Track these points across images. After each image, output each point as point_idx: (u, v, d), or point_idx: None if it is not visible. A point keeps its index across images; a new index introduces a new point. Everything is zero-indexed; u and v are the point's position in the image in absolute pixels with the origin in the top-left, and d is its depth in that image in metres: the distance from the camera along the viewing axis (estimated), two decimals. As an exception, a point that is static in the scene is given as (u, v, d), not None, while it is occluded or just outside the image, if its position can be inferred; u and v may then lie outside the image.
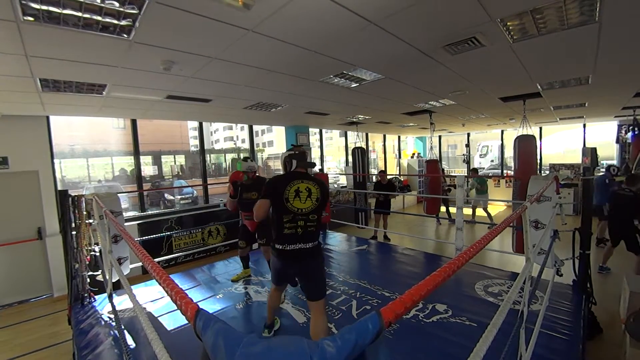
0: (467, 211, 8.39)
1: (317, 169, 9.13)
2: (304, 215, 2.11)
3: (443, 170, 9.64)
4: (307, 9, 1.92)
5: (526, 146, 4.75)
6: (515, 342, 1.42)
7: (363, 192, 8.02)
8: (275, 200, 2.11)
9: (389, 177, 7.71)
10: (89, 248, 3.33)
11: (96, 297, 3.33)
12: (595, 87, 4.27)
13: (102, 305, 3.20)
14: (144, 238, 5.09)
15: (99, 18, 1.90)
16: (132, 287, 2.80)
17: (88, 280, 3.34)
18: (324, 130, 9.45)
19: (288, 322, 2.77)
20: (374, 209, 7.59)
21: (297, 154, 2.25)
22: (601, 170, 9.42)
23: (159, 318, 2.90)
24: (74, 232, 3.25)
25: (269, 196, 2.13)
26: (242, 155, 15.63)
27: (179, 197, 12.10)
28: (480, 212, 8.23)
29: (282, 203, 2.08)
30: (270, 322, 2.59)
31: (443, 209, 8.28)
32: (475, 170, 8.67)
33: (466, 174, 10.27)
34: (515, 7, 2.00)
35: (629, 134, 7.02)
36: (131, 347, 2.44)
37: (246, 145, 8.58)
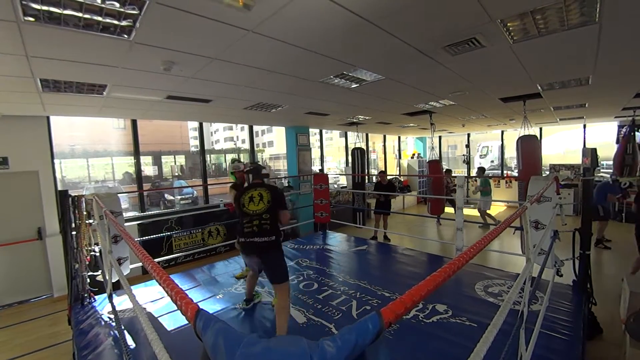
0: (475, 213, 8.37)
1: (317, 169, 9.16)
2: (257, 216, 2.58)
3: (450, 170, 9.52)
4: (307, 10, 1.92)
5: (529, 146, 4.73)
6: (515, 342, 1.42)
7: (362, 192, 8.02)
8: (237, 208, 2.68)
9: (389, 177, 7.71)
10: (89, 248, 3.33)
11: (96, 297, 3.33)
12: (595, 88, 4.27)
13: (102, 305, 3.21)
14: (144, 238, 5.09)
15: (100, 18, 1.90)
16: (132, 287, 2.81)
17: (88, 280, 3.34)
18: (324, 131, 9.46)
19: (288, 323, 2.77)
20: (374, 210, 7.58)
21: (252, 170, 2.82)
22: (602, 171, 9.43)
23: (159, 318, 2.90)
24: (74, 232, 3.25)
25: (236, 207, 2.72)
26: (242, 156, 15.63)
27: (179, 197, 12.10)
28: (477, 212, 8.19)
29: (240, 209, 2.64)
30: (249, 297, 3.08)
31: (451, 209, 8.23)
32: (483, 169, 8.58)
33: (466, 175, 10.27)
34: (516, 8, 2.00)
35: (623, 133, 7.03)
36: (131, 347, 2.44)
37: (246, 146, 8.59)
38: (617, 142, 8.37)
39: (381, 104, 5.18)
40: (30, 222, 4.66)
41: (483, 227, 7.39)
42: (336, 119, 6.87)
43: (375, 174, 12.33)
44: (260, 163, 3.11)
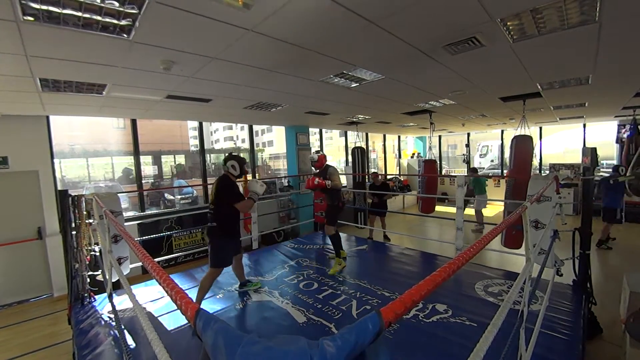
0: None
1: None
2: (211, 204, 3.03)
3: (476, 169, 9.21)
4: (307, 9, 1.92)
5: (523, 146, 4.76)
6: (515, 342, 1.42)
7: (360, 192, 8.00)
8: None
9: (389, 176, 7.71)
10: (89, 248, 3.34)
11: (96, 297, 3.33)
12: (595, 87, 4.26)
13: (102, 305, 3.21)
14: (144, 238, 5.08)
15: (99, 18, 1.90)
16: (132, 287, 2.81)
17: (88, 280, 3.34)
18: (324, 130, 9.45)
19: (288, 322, 2.77)
20: (369, 209, 7.54)
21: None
22: (601, 170, 9.42)
23: (159, 318, 2.91)
24: (74, 232, 3.25)
25: None
26: (241, 155, 15.60)
27: (179, 197, 12.09)
28: (471, 211, 8.01)
29: None
30: (242, 281, 3.41)
31: (443, 209, 8.22)
32: (474, 170, 8.53)
33: (466, 174, 10.27)
34: (516, 7, 2.00)
35: (626, 134, 7.00)
36: (131, 347, 2.44)
37: (246, 145, 8.59)
38: (617, 141, 8.37)
39: (381, 103, 5.18)
40: (30, 221, 4.66)
41: (476, 231, 7.37)
42: (336, 119, 6.86)
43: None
44: (234, 154, 3.18)
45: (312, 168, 4.14)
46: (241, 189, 3.24)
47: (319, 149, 4.11)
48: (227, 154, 3.16)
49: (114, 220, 1.87)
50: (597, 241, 5.72)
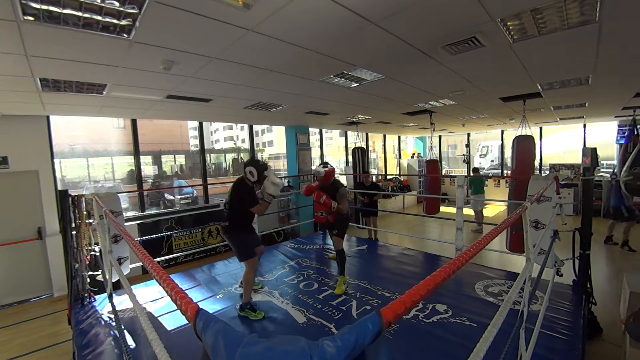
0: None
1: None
2: (226, 205, 3.14)
3: (477, 169, 8.91)
4: (307, 9, 1.92)
5: (524, 146, 4.75)
6: (515, 342, 1.42)
7: (356, 192, 7.94)
8: None
9: (389, 177, 7.70)
10: (89, 248, 3.33)
11: (96, 297, 3.33)
12: (595, 87, 4.26)
13: (102, 305, 3.21)
14: (144, 238, 5.08)
15: (99, 18, 1.90)
16: (132, 287, 2.80)
17: (88, 280, 3.34)
18: (324, 130, 9.45)
19: (288, 322, 2.77)
20: (359, 208, 7.50)
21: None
22: (602, 171, 9.41)
23: (159, 318, 2.91)
24: (74, 232, 3.25)
25: None
26: (242, 156, 15.59)
27: (179, 197, 12.09)
28: (470, 211, 7.90)
29: None
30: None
31: (447, 209, 8.17)
32: (476, 169, 8.48)
33: (466, 175, 10.26)
34: (516, 7, 2.00)
35: (625, 134, 6.99)
36: (131, 347, 2.44)
37: (246, 145, 8.59)
38: (617, 141, 8.37)
39: (381, 103, 5.18)
40: (30, 221, 4.66)
41: (476, 232, 7.35)
42: (336, 119, 6.86)
43: (375, 173, 12.33)
44: (255, 159, 3.25)
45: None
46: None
47: (327, 162, 3.71)
48: (248, 158, 3.24)
49: (114, 220, 1.87)
50: (621, 242, 5.75)
